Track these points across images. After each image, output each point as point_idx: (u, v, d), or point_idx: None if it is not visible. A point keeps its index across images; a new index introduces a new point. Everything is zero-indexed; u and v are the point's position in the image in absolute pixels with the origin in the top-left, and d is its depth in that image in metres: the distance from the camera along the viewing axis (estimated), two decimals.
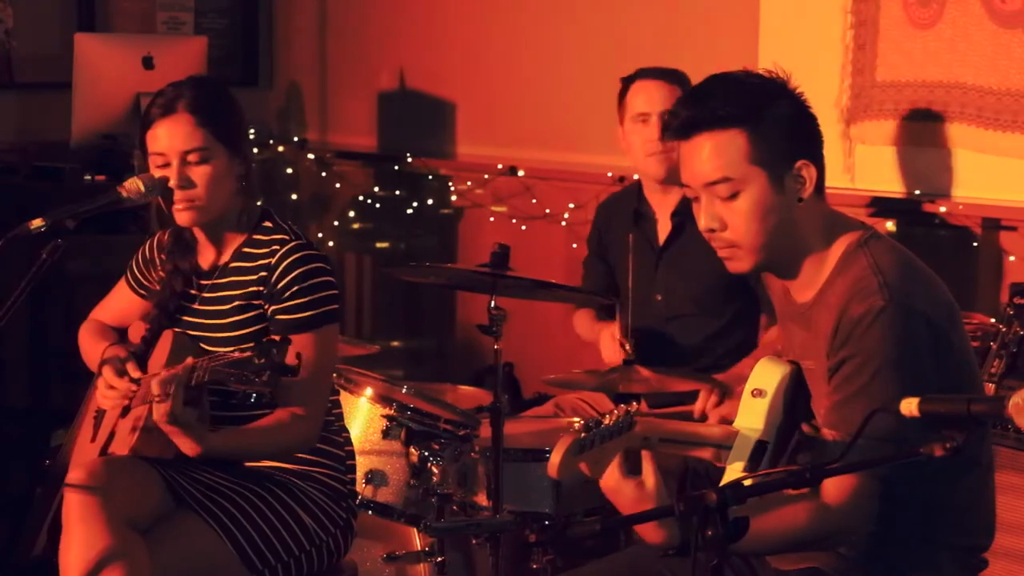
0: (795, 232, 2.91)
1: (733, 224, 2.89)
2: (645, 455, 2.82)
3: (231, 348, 3.50)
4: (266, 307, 3.53)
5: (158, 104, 3.54)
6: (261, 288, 3.53)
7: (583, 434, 2.73)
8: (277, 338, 3.19)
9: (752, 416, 2.91)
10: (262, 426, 3.47)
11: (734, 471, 2.87)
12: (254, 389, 3.16)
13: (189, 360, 3.29)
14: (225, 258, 3.63)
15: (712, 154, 2.86)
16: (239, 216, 3.61)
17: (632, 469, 2.81)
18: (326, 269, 3.56)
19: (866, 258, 2.87)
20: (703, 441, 2.91)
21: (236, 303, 3.56)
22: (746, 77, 2.92)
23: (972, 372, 2.97)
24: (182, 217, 3.55)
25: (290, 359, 3.13)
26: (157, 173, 3.53)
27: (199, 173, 3.51)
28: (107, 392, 3.61)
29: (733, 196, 2.87)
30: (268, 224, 3.62)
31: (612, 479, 2.80)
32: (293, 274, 3.51)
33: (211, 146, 3.52)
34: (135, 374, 3.58)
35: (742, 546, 2.78)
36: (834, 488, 2.79)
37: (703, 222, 2.91)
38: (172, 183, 3.50)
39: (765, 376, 2.95)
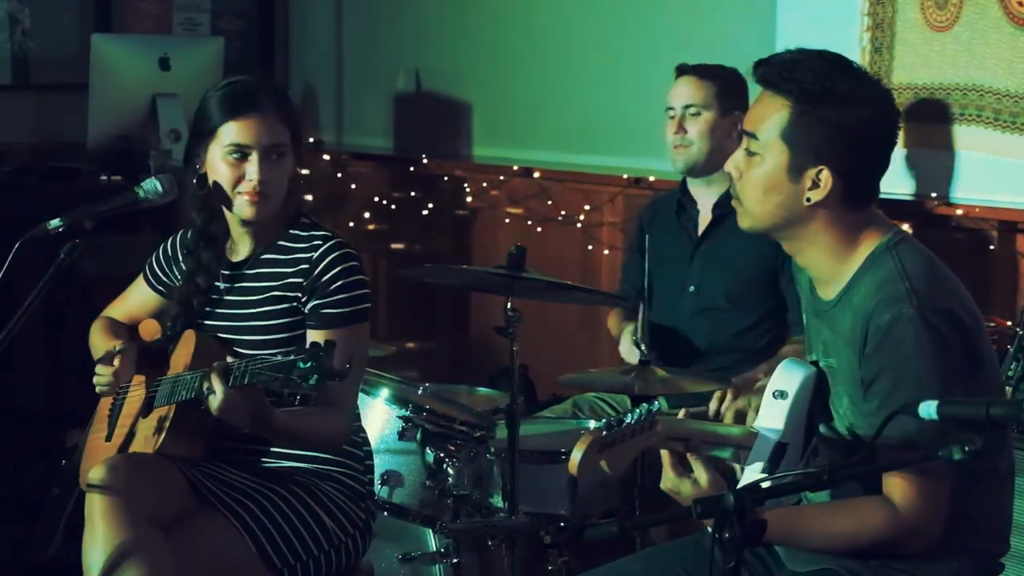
0: (803, 226, 2.92)
1: (744, 181, 2.94)
2: (690, 457, 2.86)
3: (261, 337, 3.54)
4: (303, 299, 3.54)
5: (240, 96, 3.55)
6: (301, 280, 3.55)
7: (604, 432, 2.74)
8: (321, 342, 3.17)
9: (773, 417, 2.91)
10: (302, 412, 3.44)
11: (753, 472, 2.88)
12: (299, 392, 3.15)
13: (229, 359, 3.31)
14: (257, 251, 3.64)
15: (759, 108, 2.93)
16: (277, 214, 3.62)
17: (685, 468, 2.88)
18: (362, 268, 3.60)
19: (893, 261, 2.86)
20: (723, 442, 2.92)
21: (270, 293, 3.58)
22: (842, 68, 2.91)
23: (999, 383, 2.97)
24: (249, 210, 3.55)
25: (338, 363, 3.11)
26: (226, 163, 3.53)
27: (277, 168, 3.54)
28: (98, 381, 3.64)
29: (753, 154, 2.92)
30: (306, 220, 3.65)
31: (669, 481, 2.88)
32: (337, 269, 3.53)
33: (289, 144, 3.56)
34: (121, 362, 3.60)
35: (809, 544, 2.87)
36: (904, 493, 2.80)
37: (728, 162, 2.98)
38: (252, 175, 3.51)
39: (787, 377, 2.95)
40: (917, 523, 2.81)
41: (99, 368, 3.63)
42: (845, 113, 2.86)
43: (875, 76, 2.95)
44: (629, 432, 2.77)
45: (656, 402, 2.85)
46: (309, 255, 3.56)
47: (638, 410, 2.79)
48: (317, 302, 3.53)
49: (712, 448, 2.91)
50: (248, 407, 3.28)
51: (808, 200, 2.89)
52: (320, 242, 3.57)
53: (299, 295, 3.55)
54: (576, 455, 2.73)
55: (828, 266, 2.95)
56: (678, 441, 2.87)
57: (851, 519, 2.85)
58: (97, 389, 3.67)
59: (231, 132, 3.53)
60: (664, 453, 2.87)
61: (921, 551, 2.85)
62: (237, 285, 3.64)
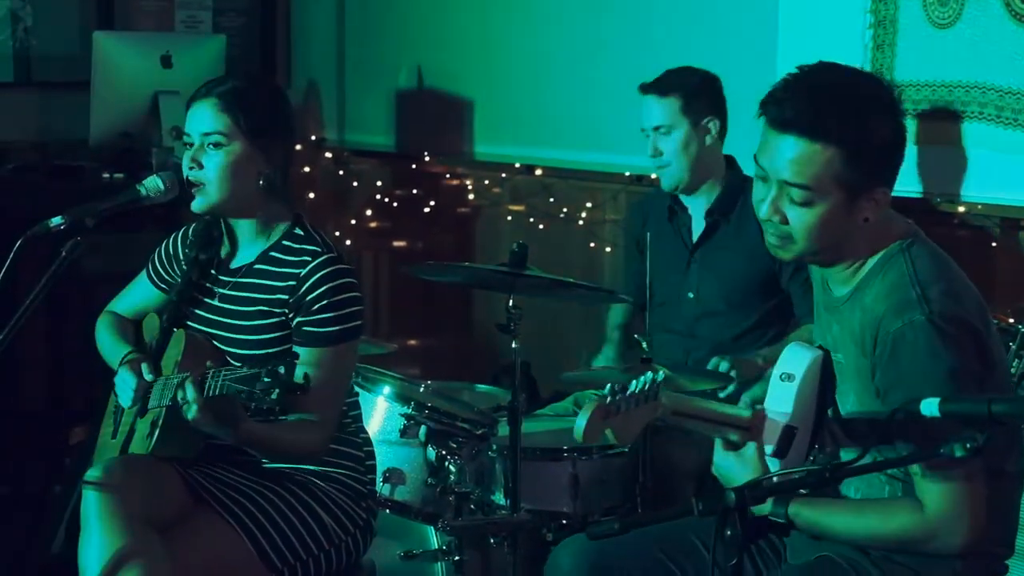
0: (847, 240, 2.90)
1: (795, 225, 2.86)
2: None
3: (253, 352, 3.52)
4: (289, 315, 3.52)
5: (200, 88, 3.58)
6: (287, 297, 3.52)
7: (608, 399, 2.73)
8: (288, 355, 3.17)
9: (781, 400, 2.90)
10: (280, 426, 3.44)
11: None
12: (264, 404, 3.13)
13: (205, 366, 3.30)
14: (250, 259, 3.62)
15: (800, 160, 2.82)
16: (265, 217, 3.61)
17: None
18: (354, 284, 3.55)
19: (906, 264, 2.86)
20: (731, 423, 2.90)
21: (259, 306, 3.56)
22: (856, 84, 2.87)
23: (1011, 384, 2.97)
24: (192, 201, 3.56)
25: (298, 376, 3.10)
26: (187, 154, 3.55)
27: (212, 158, 3.52)
28: (124, 390, 3.62)
29: (805, 203, 2.83)
30: (300, 232, 3.61)
31: (717, 455, 2.90)
32: (323, 288, 3.49)
33: (231, 134, 3.52)
34: (149, 376, 3.59)
35: (830, 532, 2.88)
36: (934, 495, 2.79)
37: (764, 211, 2.88)
38: (185, 162, 3.54)
39: (794, 360, 2.93)
40: (943, 525, 2.80)
41: (130, 382, 3.61)
42: (884, 130, 2.83)
43: (876, 73, 2.90)
44: (633, 401, 2.75)
45: (661, 371, 2.82)
46: (298, 271, 3.53)
47: (642, 378, 2.77)
48: (301, 319, 3.50)
49: (719, 429, 2.90)
50: (224, 418, 3.28)
51: (866, 220, 2.86)
52: (309, 258, 3.53)
53: (286, 311, 3.53)
54: (580, 421, 2.72)
55: (845, 265, 2.94)
56: (685, 417, 2.86)
57: (877, 514, 2.86)
58: (125, 402, 3.66)
59: (185, 122, 3.58)
60: (718, 440, 2.88)
61: (949, 553, 2.84)
62: (229, 292, 3.62)
